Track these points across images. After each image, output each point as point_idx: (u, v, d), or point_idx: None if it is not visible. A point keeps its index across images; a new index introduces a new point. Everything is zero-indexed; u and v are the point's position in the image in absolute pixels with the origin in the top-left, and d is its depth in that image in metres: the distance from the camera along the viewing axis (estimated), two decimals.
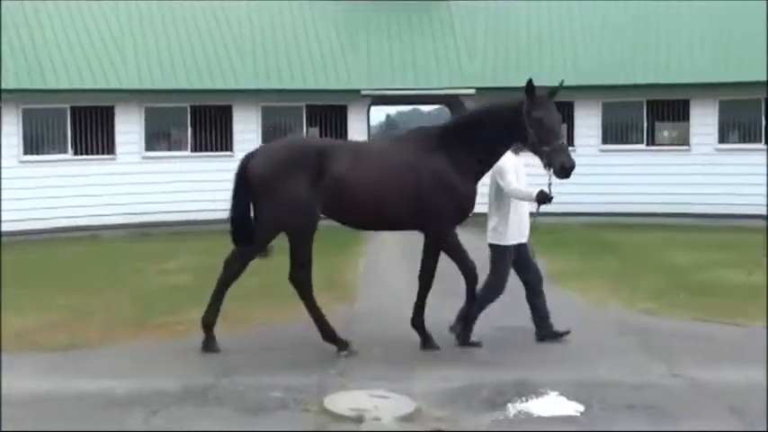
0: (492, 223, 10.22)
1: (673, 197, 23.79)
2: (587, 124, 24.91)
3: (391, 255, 17.67)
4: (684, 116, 24.76)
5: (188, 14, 25.23)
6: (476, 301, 10.05)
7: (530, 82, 9.43)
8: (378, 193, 9.67)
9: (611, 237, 20.16)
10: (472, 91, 24.42)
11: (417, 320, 10.09)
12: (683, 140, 25.01)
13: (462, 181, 9.73)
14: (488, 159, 9.85)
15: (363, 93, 24.71)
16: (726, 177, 23.44)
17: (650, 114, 25.05)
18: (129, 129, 23.51)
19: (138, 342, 10.45)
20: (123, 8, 24.52)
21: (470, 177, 9.81)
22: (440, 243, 9.93)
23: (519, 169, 10.12)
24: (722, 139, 24.28)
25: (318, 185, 9.57)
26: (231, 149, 24.06)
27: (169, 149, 24.41)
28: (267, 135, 24.51)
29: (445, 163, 9.70)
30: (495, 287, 10.22)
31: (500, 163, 9.93)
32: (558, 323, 10.26)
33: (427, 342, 9.98)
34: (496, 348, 9.89)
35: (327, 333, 9.91)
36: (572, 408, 7.68)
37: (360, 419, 7.47)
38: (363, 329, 10.68)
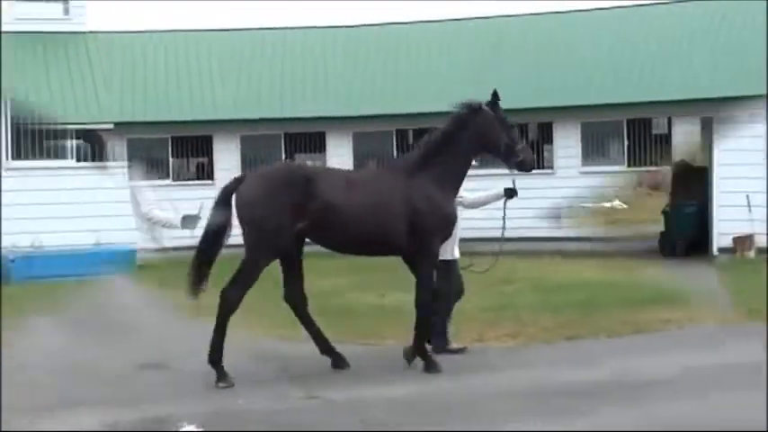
0: None
1: None
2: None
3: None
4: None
5: None
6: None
7: (495, 92, 10.29)
8: (369, 219, 9.92)
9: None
10: (110, 126, 24.15)
11: (419, 347, 10.31)
12: None
13: (447, 200, 10.26)
14: (464, 172, 10.44)
15: None
16: None
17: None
18: None
19: None
20: None
21: (452, 196, 10.41)
22: (431, 263, 10.26)
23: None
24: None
25: (306, 211, 9.67)
26: None
27: None
28: None
29: (430, 185, 10.12)
30: (450, 295, 11.04)
31: None
32: (198, 356, 10.25)
33: (432, 367, 10.19)
34: (138, 387, 9.83)
35: (324, 347, 10.36)
36: None
37: None
38: (18, 377, 10.25)
